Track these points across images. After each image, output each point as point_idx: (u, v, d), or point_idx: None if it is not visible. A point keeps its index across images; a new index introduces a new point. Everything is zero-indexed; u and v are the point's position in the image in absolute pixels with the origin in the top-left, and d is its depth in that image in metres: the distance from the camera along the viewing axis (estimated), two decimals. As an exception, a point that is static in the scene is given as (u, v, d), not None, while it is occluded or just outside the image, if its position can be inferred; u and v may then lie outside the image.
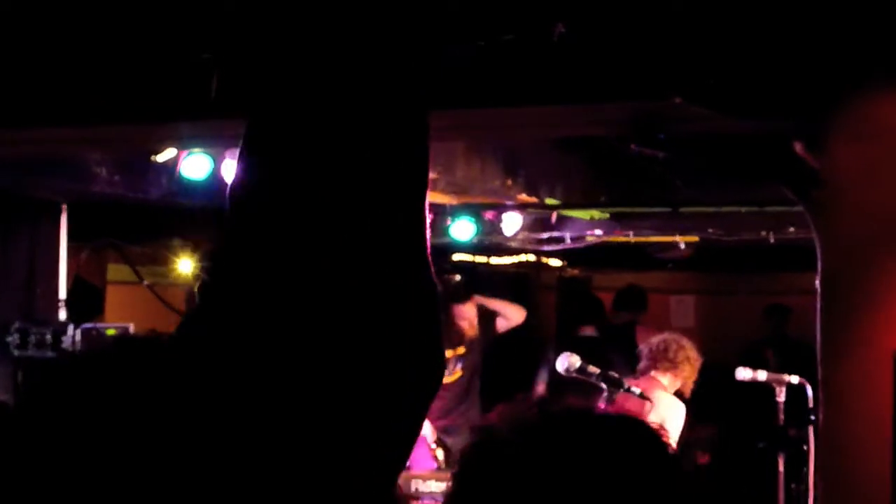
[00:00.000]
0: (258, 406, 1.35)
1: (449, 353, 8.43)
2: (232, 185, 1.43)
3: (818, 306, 4.42)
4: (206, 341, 1.41)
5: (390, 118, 1.45)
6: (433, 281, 1.46)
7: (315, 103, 1.43)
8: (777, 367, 7.28)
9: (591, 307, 10.53)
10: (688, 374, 7.38)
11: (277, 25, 1.46)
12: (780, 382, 6.92)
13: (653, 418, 7.39)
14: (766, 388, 7.03)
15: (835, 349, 4.39)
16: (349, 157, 1.40)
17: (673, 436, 7.55)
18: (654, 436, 1.83)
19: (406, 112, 1.48)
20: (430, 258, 1.45)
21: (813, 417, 5.14)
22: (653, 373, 7.40)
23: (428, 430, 8.46)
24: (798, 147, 4.40)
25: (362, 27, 1.46)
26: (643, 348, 7.59)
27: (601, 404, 6.00)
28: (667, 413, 7.16)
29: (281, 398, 1.34)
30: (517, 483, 1.74)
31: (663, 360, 7.41)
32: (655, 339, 7.58)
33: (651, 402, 6.89)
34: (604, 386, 6.25)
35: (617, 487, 1.74)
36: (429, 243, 1.44)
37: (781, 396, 6.86)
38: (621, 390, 6.32)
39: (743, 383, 7.17)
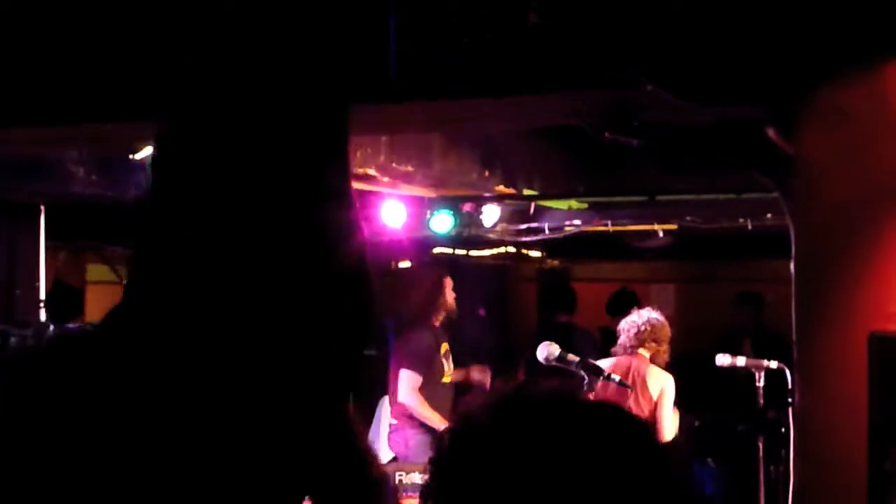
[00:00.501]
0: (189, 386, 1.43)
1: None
2: (146, 190, 1.51)
3: (793, 291, 4.46)
4: (130, 329, 1.51)
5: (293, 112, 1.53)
6: (352, 262, 1.54)
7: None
8: (753, 356, 7.34)
9: (567, 296, 10.59)
10: (665, 347, 7.91)
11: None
12: (760, 367, 6.98)
13: (653, 388, 7.58)
14: (746, 374, 7.09)
15: (810, 332, 4.42)
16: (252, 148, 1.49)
17: (669, 403, 7.73)
18: (632, 420, 1.84)
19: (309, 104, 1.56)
20: (352, 240, 1.53)
21: (791, 400, 5.17)
22: (640, 350, 7.70)
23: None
24: (771, 133, 4.43)
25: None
26: (627, 327, 7.83)
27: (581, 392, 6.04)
28: (666, 383, 7.71)
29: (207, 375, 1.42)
30: (494, 468, 1.74)
31: (650, 340, 7.81)
32: (640, 321, 7.81)
33: (631, 389, 7.00)
34: (583, 374, 6.29)
35: (596, 471, 1.74)
36: (353, 226, 1.52)
37: (761, 381, 6.92)
38: (601, 378, 6.38)
39: (723, 369, 7.23)
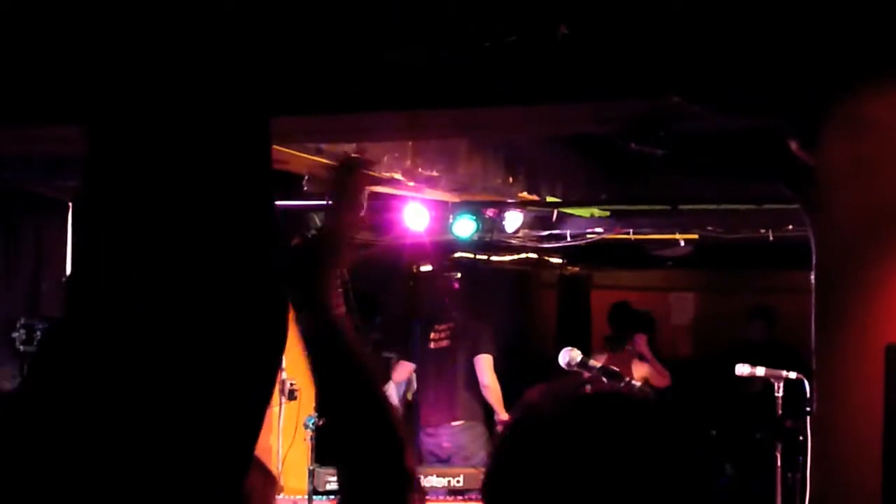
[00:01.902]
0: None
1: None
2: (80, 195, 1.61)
3: (813, 302, 4.51)
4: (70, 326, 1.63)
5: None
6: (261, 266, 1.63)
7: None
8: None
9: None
10: None
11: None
12: (779, 378, 7.02)
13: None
14: (765, 384, 7.13)
15: (829, 342, 4.47)
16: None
17: None
18: (675, 416, 1.91)
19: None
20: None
21: (809, 409, 5.22)
22: None
23: None
24: (792, 144, 4.48)
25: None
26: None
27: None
28: None
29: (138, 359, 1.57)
30: (558, 456, 1.80)
31: None
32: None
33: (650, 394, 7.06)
34: (604, 380, 6.34)
35: (651, 463, 1.81)
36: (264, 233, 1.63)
37: (780, 391, 6.96)
38: (621, 384, 6.43)
39: (742, 379, 7.28)
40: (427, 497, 7.56)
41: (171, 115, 1.63)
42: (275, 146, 6.90)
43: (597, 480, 1.78)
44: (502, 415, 8.51)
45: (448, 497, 7.91)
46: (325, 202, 2.13)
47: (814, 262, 4.54)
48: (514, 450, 1.85)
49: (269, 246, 1.68)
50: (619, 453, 1.79)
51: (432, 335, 9.20)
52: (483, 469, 1.90)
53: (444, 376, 9.05)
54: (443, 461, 8.78)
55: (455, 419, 8.94)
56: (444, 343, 9.14)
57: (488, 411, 8.96)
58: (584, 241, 9.32)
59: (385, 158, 7.05)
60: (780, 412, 6.85)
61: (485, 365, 8.83)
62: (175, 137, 1.62)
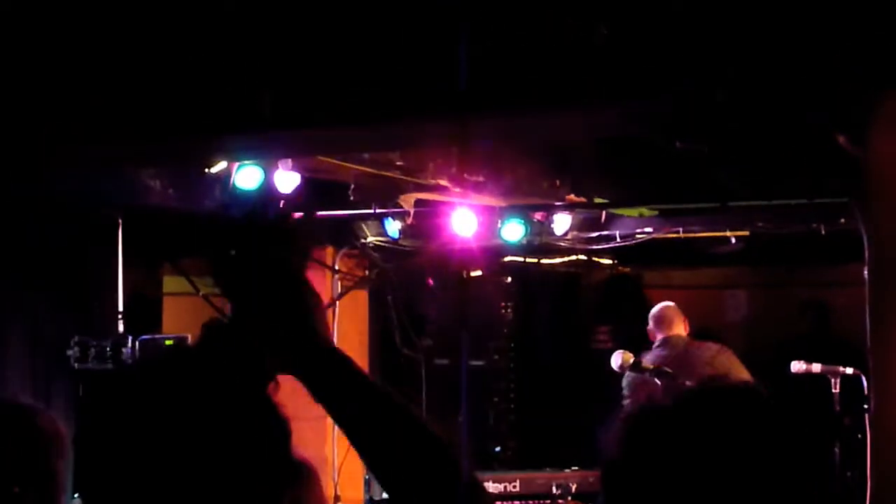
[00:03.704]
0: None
1: None
2: None
3: (867, 296, 4.46)
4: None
5: None
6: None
7: None
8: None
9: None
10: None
11: None
12: (835, 374, 6.96)
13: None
14: (821, 380, 7.06)
15: (885, 338, 4.41)
16: None
17: None
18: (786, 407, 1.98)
19: None
20: None
21: (867, 406, 5.16)
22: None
23: None
24: (841, 140, 4.43)
25: None
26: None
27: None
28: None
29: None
30: (679, 447, 1.88)
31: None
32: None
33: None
34: (657, 381, 6.31)
35: (768, 452, 1.90)
36: None
37: (836, 387, 6.89)
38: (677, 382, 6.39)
39: (797, 375, 7.21)
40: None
41: None
42: (321, 157, 6.97)
43: (717, 467, 1.86)
44: None
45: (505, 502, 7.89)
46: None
47: (867, 256, 4.49)
48: (637, 439, 1.93)
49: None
50: (727, 441, 1.88)
51: None
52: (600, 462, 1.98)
53: None
54: None
55: None
56: None
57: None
58: (633, 242, 9.28)
59: (430, 165, 7.06)
60: (837, 408, 6.78)
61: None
62: None
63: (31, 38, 4.80)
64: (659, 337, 8.19)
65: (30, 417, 2.89)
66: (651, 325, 8.34)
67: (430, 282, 9.34)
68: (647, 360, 7.33)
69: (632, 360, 6.34)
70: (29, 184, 6.71)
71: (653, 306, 8.71)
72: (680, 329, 8.24)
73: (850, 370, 6.84)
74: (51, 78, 4.92)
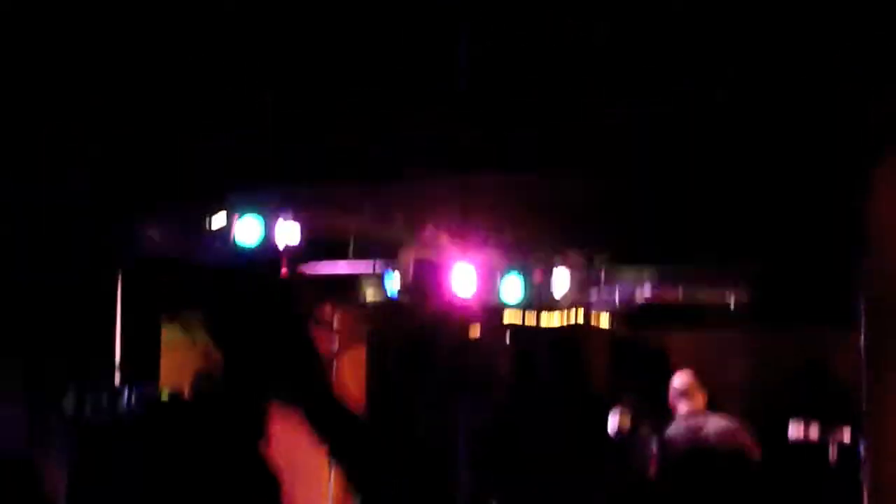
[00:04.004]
0: None
1: None
2: None
3: (862, 364, 4.46)
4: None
5: None
6: None
7: None
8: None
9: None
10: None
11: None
12: (833, 439, 6.93)
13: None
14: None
15: (880, 405, 4.41)
16: None
17: None
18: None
19: None
20: None
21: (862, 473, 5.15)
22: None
23: None
24: (843, 193, 4.45)
25: None
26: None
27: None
28: None
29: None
30: (726, 485, 2.00)
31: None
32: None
33: None
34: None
35: None
36: None
37: (834, 455, 6.87)
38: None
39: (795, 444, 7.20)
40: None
41: None
42: (322, 212, 7.00)
43: None
44: None
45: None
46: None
47: (863, 323, 4.49)
48: (690, 474, 2.05)
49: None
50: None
51: None
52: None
53: None
54: None
55: None
56: None
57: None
58: (633, 304, 9.27)
59: (430, 224, 7.07)
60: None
61: None
62: None
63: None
64: (684, 409, 8.04)
65: (34, 476, 2.93)
66: (672, 396, 8.15)
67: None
68: (672, 432, 7.29)
69: (629, 424, 6.30)
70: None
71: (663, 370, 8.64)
72: (699, 401, 8.12)
73: (847, 436, 6.81)
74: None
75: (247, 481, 1.92)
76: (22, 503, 2.95)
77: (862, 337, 4.49)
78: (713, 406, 8.52)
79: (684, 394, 8.02)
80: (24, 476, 2.97)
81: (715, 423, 7.58)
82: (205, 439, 1.88)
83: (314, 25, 4.60)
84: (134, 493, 1.71)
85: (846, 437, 6.80)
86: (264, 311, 2.04)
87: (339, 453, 2.08)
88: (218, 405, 1.98)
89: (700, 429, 7.41)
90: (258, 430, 1.97)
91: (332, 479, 8.03)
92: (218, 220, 7.00)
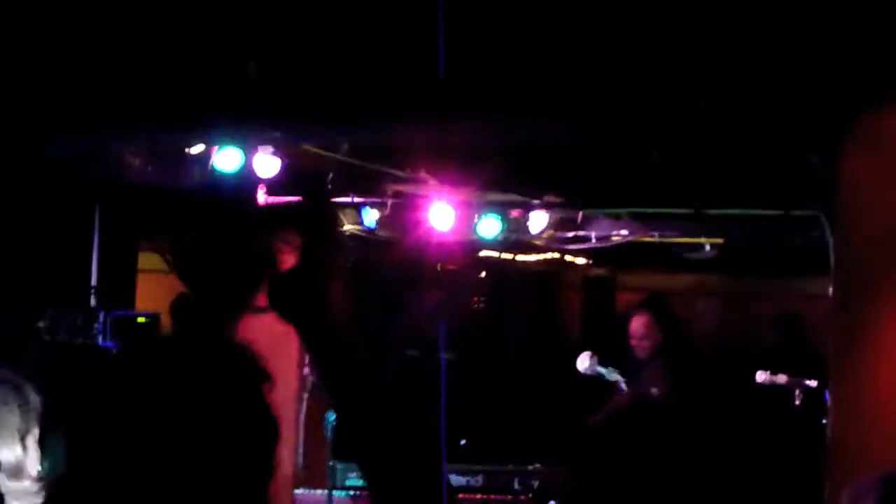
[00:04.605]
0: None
1: None
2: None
3: (830, 310, 4.51)
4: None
5: None
6: None
7: None
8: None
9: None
10: None
11: None
12: (799, 385, 7.01)
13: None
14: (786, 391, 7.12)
15: (846, 352, 4.47)
16: None
17: None
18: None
19: None
20: None
21: (825, 421, 5.22)
22: None
23: None
24: (814, 158, 4.49)
25: None
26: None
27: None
28: None
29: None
30: (643, 450, 2.03)
31: None
32: None
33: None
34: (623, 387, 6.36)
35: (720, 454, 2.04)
36: None
37: (799, 399, 6.95)
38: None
39: (763, 385, 7.27)
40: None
41: None
42: (302, 146, 6.97)
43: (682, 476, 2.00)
44: None
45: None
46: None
47: (832, 271, 4.55)
48: (606, 444, 2.07)
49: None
50: (686, 444, 2.05)
51: None
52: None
53: None
54: None
55: None
56: None
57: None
58: (609, 244, 9.32)
59: (410, 157, 7.09)
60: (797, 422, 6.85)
61: None
62: None
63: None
64: (642, 353, 8.16)
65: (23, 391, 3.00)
66: (631, 339, 8.28)
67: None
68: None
69: (597, 367, 6.37)
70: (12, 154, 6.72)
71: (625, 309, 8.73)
72: (654, 343, 8.26)
73: (813, 382, 6.89)
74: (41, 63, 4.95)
75: (248, 425, 1.92)
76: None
77: (831, 288, 4.55)
78: (673, 347, 8.62)
79: (641, 337, 8.22)
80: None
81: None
82: (210, 380, 1.89)
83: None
84: (137, 423, 1.71)
85: (813, 383, 6.88)
86: (238, 238, 2.05)
87: (331, 380, 2.08)
88: (221, 347, 1.98)
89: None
90: (263, 375, 1.97)
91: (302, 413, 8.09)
92: (196, 149, 7.01)
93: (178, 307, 2.02)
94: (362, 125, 5.10)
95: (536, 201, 8.53)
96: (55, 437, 3.17)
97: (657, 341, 8.33)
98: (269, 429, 1.87)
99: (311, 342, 2.01)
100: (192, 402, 1.81)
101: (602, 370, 6.47)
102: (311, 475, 8.29)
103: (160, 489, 1.81)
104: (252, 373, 1.89)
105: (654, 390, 6.61)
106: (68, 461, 1.91)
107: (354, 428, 2.03)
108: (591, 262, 11.92)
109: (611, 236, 9.32)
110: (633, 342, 8.33)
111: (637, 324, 8.45)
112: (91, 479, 1.85)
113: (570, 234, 9.31)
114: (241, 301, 2.01)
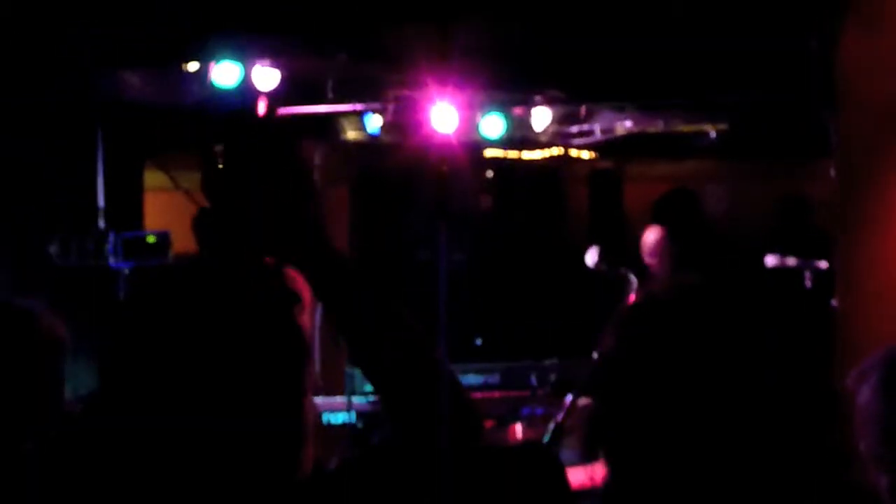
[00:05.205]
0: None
1: None
2: None
3: (833, 192, 4.52)
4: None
5: None
6: None
7: None
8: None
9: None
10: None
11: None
12: (809, 267, 7.03)
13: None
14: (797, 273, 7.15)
15: (851, 231, 4.48)
16: None
17: None
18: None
19: None
20: None
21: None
22: None
23: None
24: (812, 44, 4.46)
25: None
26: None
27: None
28: None
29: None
30: (675, 329, 2.02)
31: None
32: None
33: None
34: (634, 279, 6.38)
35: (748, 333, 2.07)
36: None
37: (809, 281, 6.98)
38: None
39: (774, 268, 7.29)
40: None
41: None
42: (303, 56, 6.93)
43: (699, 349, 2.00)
44: None
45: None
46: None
47: (834, 153, 4.54)
48: (638, 325, 2.06)
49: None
50: (716, 324, 2.06)
51: None
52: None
53: None
54: None
55: None
56: None
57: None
58: (613, 137, 9.30)
59: (412, 56, 7.04)
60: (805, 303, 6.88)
61: None
62: None
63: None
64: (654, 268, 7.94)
65: (29, 321, 2.86)
66: (644, 253, 7.87)
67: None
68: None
69: (606, 260, 6.38)
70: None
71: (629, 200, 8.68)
72: (668, 258, 7.97)
73: (824, 264, 6.91)
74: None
75: (281, 347, 1.91)
76: (16, 350, 2.90)
77: (833, 170, 4.55)
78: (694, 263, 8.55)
79: (652, 252, 7.69)
80: (17, 324, 2.90)
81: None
82: (243, 302, 1.88)
83: None
84: (173, 343, 1.71)
85: (823, 265, 6.89)
86: (256, 151, 2.01)
87: (334, 306, 2.06)
88: (254, 270, 1.95)
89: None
90: (294, 297, 1.95)
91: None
92: (194, 65, 6.98)
93: (202, 224, 1.97)
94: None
95: (539, 97, 8.49)
96: (77, 362, 3.12)
97: (672, 259, 7.58)
98: (300, 350, 1.87)
99: (314, 283, 1.98)
100: (225, 324, 1.81)
101: (612, 261, 6.47)
102: (329, 382, 8.36)
103: (192, 408, 1.82)
104: (283, 294, 1.88)
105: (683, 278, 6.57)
106: (101, 379, 1.90)
107: (367, 368, 2.04)
108: (596, 155, 11.90)
109: (615, 128, 9.30)
110: (646, 259, 7.62)
111: (649, 239, 7.70)
112: (124, 396, 1.86)
113: (575, 129, 9.29)
114: (286, 216, 1.96)
